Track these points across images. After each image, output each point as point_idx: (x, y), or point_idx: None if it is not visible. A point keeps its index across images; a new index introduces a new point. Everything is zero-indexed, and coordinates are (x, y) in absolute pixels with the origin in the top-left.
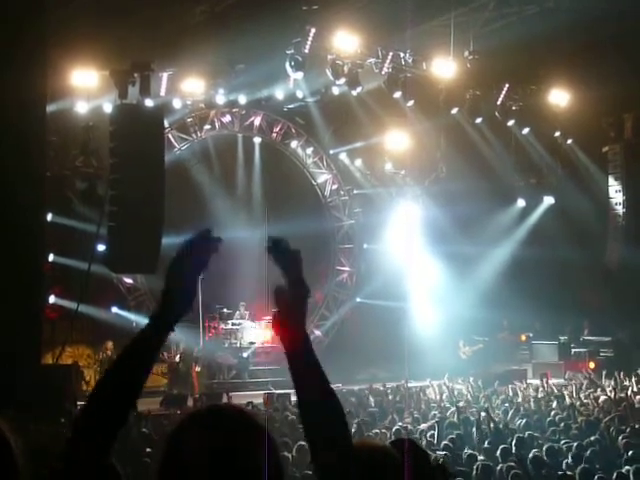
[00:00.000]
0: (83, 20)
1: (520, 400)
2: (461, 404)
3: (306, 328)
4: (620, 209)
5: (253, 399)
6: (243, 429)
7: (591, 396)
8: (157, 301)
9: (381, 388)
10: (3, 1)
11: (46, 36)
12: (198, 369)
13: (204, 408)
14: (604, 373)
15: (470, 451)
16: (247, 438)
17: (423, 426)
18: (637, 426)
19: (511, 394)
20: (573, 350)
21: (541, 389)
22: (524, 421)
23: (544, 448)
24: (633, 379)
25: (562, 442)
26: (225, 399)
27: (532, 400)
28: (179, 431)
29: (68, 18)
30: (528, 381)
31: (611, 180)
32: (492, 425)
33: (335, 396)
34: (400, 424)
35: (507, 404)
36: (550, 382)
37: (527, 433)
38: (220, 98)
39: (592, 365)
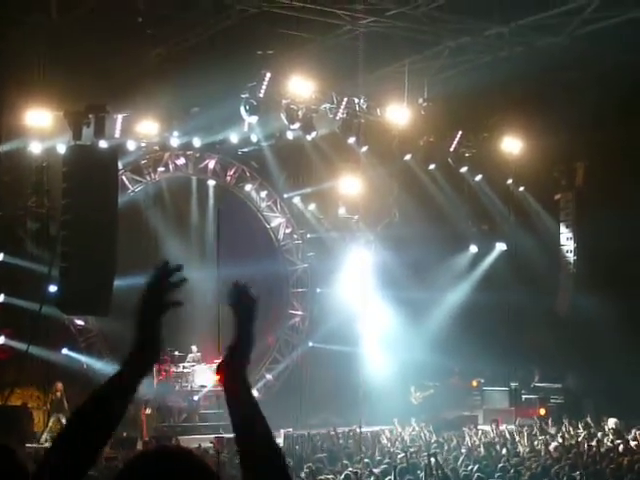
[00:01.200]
0: (38, 61)
1: (471, 446)
2: (412, 449)
3: (246, 379)
4: (571, 256)
5: (204, 442)
6: (192, 471)
7: (542, 443)
8: (129, 348)
9: (332, 432)
10: None
11: (0, 76)
12: (148, 411)
13: (152, 449)
14: (553, 420)
15: None
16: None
17: (376, 471)
18: (586, 473)
19: (462, 440)
20: (524, 396)
21: (492, 435)
22: (475, 467)
23: None
24: (582, 426)
25: None
26: (174, 442)
27: (483, 446)
28: (128, 471)
29: (23, 59)
30: (479, 427)
31: (562, 227)
32: (440, 471)
33: (275, 448)
34: (350, 469)
35: (458, 450)
36: (501, 428)
37: (476, 476)
38: (175, 140)
39: (542, 412)
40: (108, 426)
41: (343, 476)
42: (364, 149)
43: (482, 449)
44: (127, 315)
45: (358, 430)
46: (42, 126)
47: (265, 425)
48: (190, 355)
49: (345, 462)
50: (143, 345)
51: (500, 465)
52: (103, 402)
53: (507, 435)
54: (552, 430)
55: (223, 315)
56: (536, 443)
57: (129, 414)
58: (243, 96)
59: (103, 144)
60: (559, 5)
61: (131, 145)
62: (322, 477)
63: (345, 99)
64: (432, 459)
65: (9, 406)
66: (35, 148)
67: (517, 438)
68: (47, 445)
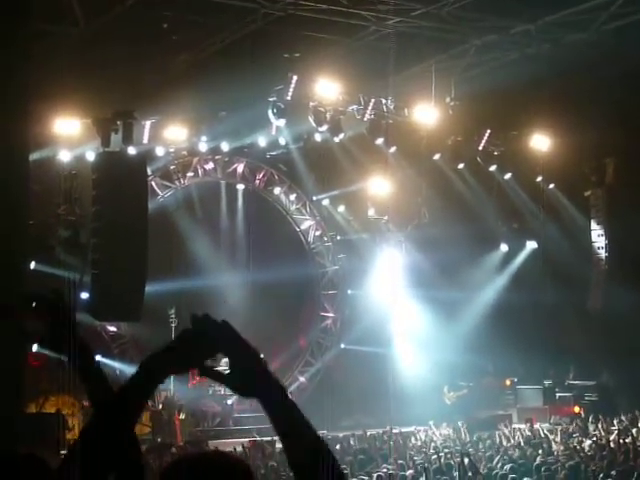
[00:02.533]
0: (66, 69)
1: (505, 445)
2: (446, 450)
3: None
4: (603, 253)
5: (238, 446)
6: (231, 474)
7: (576, 441)
8: (154, 351)
9: (366, 434)
10: None
11: (29, 85)
12: (182, 417)
13: (194, 453)
14: (589, 417)
15: None
16: None
17: (409, 472)
18: (621, 470)
19: (496, 440)
20: (558, 394)
21: (526, 434)
22: (509, 466)
23: None
24: (616, 423)
25: None
26: (208, 447)
27: (517, 445)
28: (169, 474)
29: (51, 68)
30: (513, 426)
31: (593, 224)
32: (474, 471)
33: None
34: (384, 470)
35: (492, 449)
36: (535, 427)
37: (511, 477)
38: (203, 145)
39: (577, 409)
40: (125, 425)
41: (376, 477)
42: (392, 150)
43: (516, 448)
44: (159, 320)
45: (391, 431)
46: (71, 134)
47: (307, 425)
48: (224, 359)
49: (379, 463)
50: (175, 357)
51: (535, 464)
52: (119, 403)
53: (541, 434)
54: (587, 428)
55: (255, 318)
56: (571, 441)
57: (163, 419)
58: (270, 99)
59: (132, 150)
60: (585, 1)
61: (160, 151)
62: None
63: (372, 100)
64: (466, 459)
65: (43, 413)
66: (64, 156)
67: (551, 436)
68: None
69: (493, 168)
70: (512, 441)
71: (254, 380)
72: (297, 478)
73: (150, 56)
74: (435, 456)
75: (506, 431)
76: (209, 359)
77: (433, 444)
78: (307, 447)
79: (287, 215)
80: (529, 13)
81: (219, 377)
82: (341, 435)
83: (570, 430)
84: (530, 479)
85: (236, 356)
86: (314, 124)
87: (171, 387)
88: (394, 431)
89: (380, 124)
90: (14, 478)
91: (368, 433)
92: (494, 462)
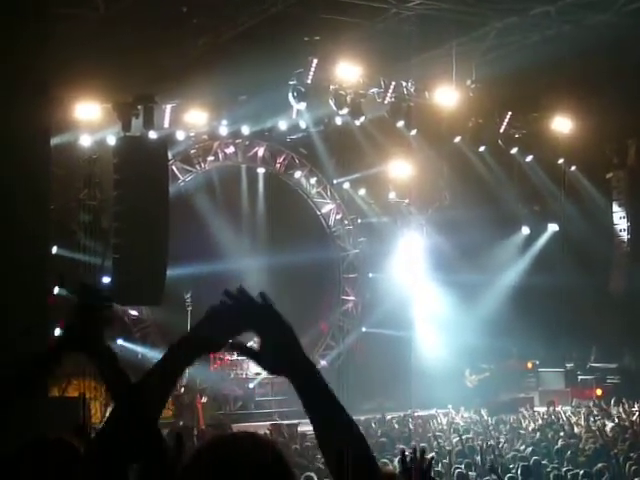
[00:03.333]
0: (86, 53)
1: (527, 428)
2: (471, 434)
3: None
4: (625, 235)
5: (259, 430)
6: (264, 455)
7: (599, 423)
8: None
9: (387, 417)
10: (7, 36)
11: (49, 70)
12: (204, 400)
13: (226, 435)
14: (612, 400)
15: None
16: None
17: (431, 454)
18: None
19: (518, 422)
20: (580, 377)
21: (548, 417)
22: (531, 449)
23: (551, 476)
24: (638, 406)
25: (570, 470)
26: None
27: (539, 428)
28: (200, 458)
29: (71, 52)
30: (535, 409)
31: (615, 206)
32: (496, 454)
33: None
34: (406, 453)
35: (514, 432)
36: (557, 409)
37: (533, 459)
38: (223, 129)
39: (599, 392)
40: (155, 405)
41: (398, 459)
42: (413, 132)
43: (538, 431)
44: (180, 304)
45: (412, 415)
46: (92, 119)
47: (339, 406)
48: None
49: (401, 446)
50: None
51: (557, 447)
52: (153, 377)
53: (563, 416)
54: (610, 410)
55: (275, 302)
56: (593, 424)
57: (184, 403)
58: (291, 83)
59: (152, 135)
60: None
61: (180, 135)
62: (379, 462)
63: (393, 83)
64: (487, 442)
65: (67, 397)
66: (85, 141)
67: (573, 419)
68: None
69: (514, 150)
70: (534, 424)
71: (286, 357)
72: (326, 459)
73: (170, 40)
74: (457, 439)
75: (527, 414)
76: (239, 335)
77: (454, 427)
78: (338, 429)
79: (308, 199)
80: None
81: (251, 353)
82: (362, 418)
83: (592, 413)
84: (552, 462)
85: (271, 331)
86: (335, 107)
87: (192, 371)
88: (415, 414)
89: (401, 107)
90: (44, 462)
91: (387, 417)
92: (515, 445)
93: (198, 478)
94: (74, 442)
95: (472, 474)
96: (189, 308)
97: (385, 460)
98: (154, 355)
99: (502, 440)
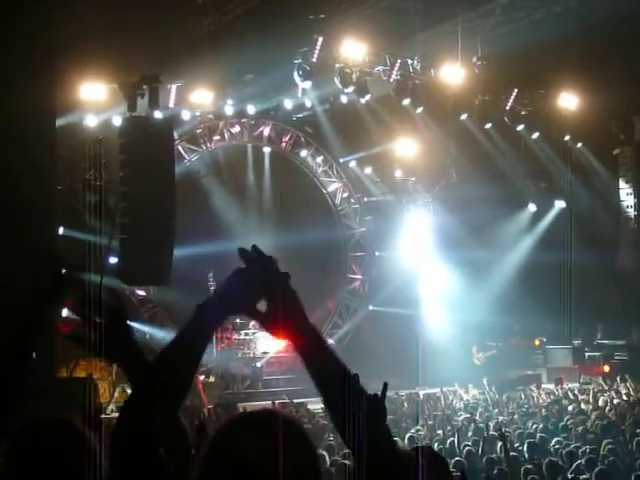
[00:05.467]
0: (91, 34)
1: (535, 405)
2: (479, 411)
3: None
4: (632, 212)
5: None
6: (288, 430)
7: (606, 400)
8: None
9: (394, 396)
10: (11, 16)
11: (54, 50)
12: (211, 379)
13: (247, 412)
14: (619, 377)
15: (488, 456)
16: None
17: (439, 432)
18: None
19: (526, 399)
20: (587, 354)
21: (556, 394)
22: (540, 426)
23: (559, 452)
24: None
25: (578, 446)
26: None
27: (547, 405)
28: (226, 434)
29: (76, 32)
30: (543, 386)
31: (622, 183)
32: (503, 431)
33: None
34: (413, 431)
35: (521, 409)
36: (565, 386)
37: (539, 436)
38: (229, 109)
39: (607, 369)
40: (186, 371)
41: (407, 438)
42: (419, 110)
43: (546, 408)
44: (188, 284)
45: (419, 392)
46: (97, 99)
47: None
48: (252, 322)
49: (408, 424)
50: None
51: (564, 423)
52: (179, 346)
53: (571, 393)
54: (617, 386)
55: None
56: (600, 400)
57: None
58: (296, 61)
59: (158, 115)
60: None
61: (186, 115)
62: None
63: (398, 61)
64: (494, 420)
65: (74, 378)
66: (91, 121)
67: (581, 396)
68: (114, 415)
69: (521, 127)
70: (541, 401)
71: (293, 321)
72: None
73: (175, 19)
74: (465, 416)
75: (535, 391)
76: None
77: (463, 404)
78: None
79: (314, 178)
80: None
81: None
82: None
83: (600, 389)
84: (560, 439)
85: (279, 294)
86: (340, 86)
87: None
88: (424, 392)
89: (406, 84)
90: (44, 441)
91: (400, 393)
92: (523, 422)
93: (222, 459)
94: (76, 422)
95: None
96: (212, 287)
97: (395, 439)
98: (162, 335)
99: (510, 417)
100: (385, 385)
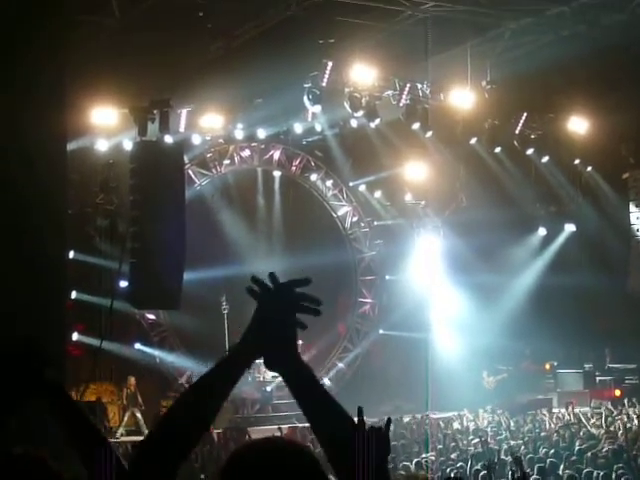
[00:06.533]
0: (101, 58)
1: (546, 429)
2: (489, 435)
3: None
4: None
5: (277, 433)
6: (300, 459)
7: (617, 424)
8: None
9: (405, 420)
10: (22, 40)
11: (65, 75)
12: None
13: (259, 439)
14: (629, 400)
15: None
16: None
17: (452, 456)
18: None
19: (537, 424)
20: (598, 378)
21: (567, 418)
22: (551, 451)
23: (568, 477)
24: None
25: (589, 471)
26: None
27: (558, 429)
28: (236, 463)
29: (87, 57)
30: (554, 410)
31: (632, 206)
32: (515, 456)
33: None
34: (424, 456)
35: (533, 434)
36: (576, 411)
37: (549, 461)
38: (239, 133)
39: (618, 393)
40: (206, 413)
41: (415, 463)
42: (429, 134)
43: (557, 433)
44: (198, 308)
45: (430, 416)
46: (108, 123)
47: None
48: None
49: (418, 450)
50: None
51: (576, 448)
52: (203, 389)
53: (582, 418)
54: (628, 411)
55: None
56: (612, 425)
57: None
58: (306, 86)
59: (168, 139)
60: None
61: (196, 139)
62: (400, 465)
63: (408, 85)
64: (506, 444)
65: (84, 402)
66: (101, 146)
67: (592, 420)
68: (123, 439)
69: (530, 151)
70: (553, 425)
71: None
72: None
73: (185, 44)
74: (476, 440)
75: (547, 415)
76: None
77: (473, 428)
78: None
79: (324, 201)
80: None
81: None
82: (378, 420)
83: (611, 414)
84: (570, 463)
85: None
86: (350, 110)
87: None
88: (434, 416)
89: (416, 109)
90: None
91: (405, 419)
92: (534, 446)
93: None
94: (44, 456)
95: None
96: (225, 311)
97: (405, 463)
98: (172, 359)
99: (521, 442)
100: (389, 420)
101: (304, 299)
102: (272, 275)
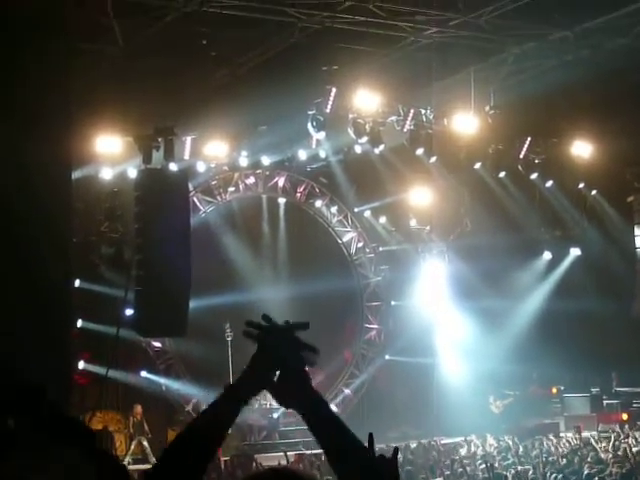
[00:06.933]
0: (105, 86)
1: (554, 454)
2: (497, 460)
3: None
4: None
5: (283, 460)
6: None
7: (625, 448)
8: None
9: (412, 446)
10: (26, 68)
11: (69, 103)
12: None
13: (266, 470)
14: (636, 424)
15: None
16: None
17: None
18: None
19: (544, 448)
20: (605, 402)
21: (574, 442)
22: (560, 476)
23: None
24: None
25: None
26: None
27: (566, 453)
28: None
29: (90, 85)
30: (561, 434)
31: (637, 230)
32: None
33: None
34: None
35: (540, 458)
36: (583, 435)
37: None
38: (243, 160)
39: (625, 416)
40: (205, 456)
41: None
42: (433, 160)
43: (565, 457)
44: (204, 335)
45: (437, 442)
46: (112, 152)
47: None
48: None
49: (425, 476)
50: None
51: (584, 472)
52: (202, 427)
53: (590, 442)
54: (636, 434)
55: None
56: (619, 449)
57: None
58: (310, 112)
59: (173, 167)
60: (622, 7)
61: (201, 166)
62: None
63: (412, 111)
64: (513, 469)
65: None
66: (106, 174)
67: (600, 444)
68: (130, 468)
69: (534, 176)
70: (560, 450)
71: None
72: None
73: (189, 72)
74: (483, 466)
75: (554, 440)
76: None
77: (481, 454)
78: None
79: (329, 227)
80: (566, 20)
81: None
82: (387, 447)
83: (619, 437)
84: None
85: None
86: (354, 136)
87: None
88: (441, 442)
89: (420, 134)
90: None
91: (412, 445)
92: (542, 471)
93: None
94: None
95: None
96: (229, 338)
97: None
98: (178, 387)
99: (529, 466)
100: (396, 450)
101: (301, 347)
102: (265, 316)
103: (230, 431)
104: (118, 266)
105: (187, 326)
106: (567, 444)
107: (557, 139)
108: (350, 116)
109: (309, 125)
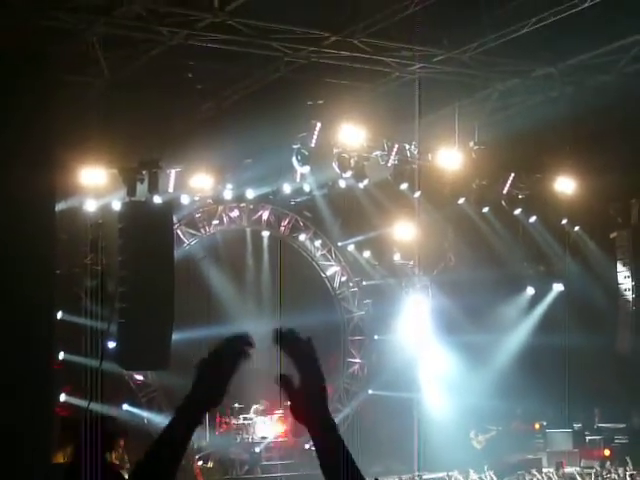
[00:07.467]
0: (90, 118)
1: None
2: None
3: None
4: (630, 295)
5: None
6: None
7: None
8: (186, 394)
9: None
10: (10, 99)
11: (53, 134)
12: (209, 465)
13: None
14: (620, 460)
15: None
16: None
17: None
18: None
19: None
20: (588, 437)
21: (556, 478)
22: None
23: None
24: None
25: None
26: None
27: None
28: None
29: (75, 116)
30: (544, 470)
31: (620, 266)
32: None
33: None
34: None
35: None
36: (566, 471)
37: None
38: (228, 193)
39: (607, 452)
40: (166, 472)
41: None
42: (417, 194)
43: None
44: (187, 368)
45: (421, 477)
46: (96, 184)
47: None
48: (254, 407)
49: None
50: (202, 391)
51: None
52: (157, 455)
53: (577, 476)
54: (618, 471)
55: (282, 366)
56: None
57: (182, 466)
58: (295, 146)
59: (157, 199)
60: (606, 44)
61: (185, 199)
62: None
63: (396, 146)
64: None
65: (72, 463)
66: (90, 206)
67: None
68: None
69: (518, 211)
70: None
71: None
72: None
73: (174, 105)
74: None
75: (537, 475)
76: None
77: None
78: None
79: (313, 261)
80: (550, 56)
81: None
82: None
83: (602, 473)
84: None
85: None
86: (338, 170)
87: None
88: (424, 477)
89: (404, 169)
90: None
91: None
92: None
93: None
94: None
95: None
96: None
97: None
98: (160, 420)
99: None
100: None
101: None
102: (291, 331)
103: (212, 465)
104: (101, 298)
105: (170, 359)
106: None
107: (541, 175)
108: (335, 150)
109: (294, 159)
